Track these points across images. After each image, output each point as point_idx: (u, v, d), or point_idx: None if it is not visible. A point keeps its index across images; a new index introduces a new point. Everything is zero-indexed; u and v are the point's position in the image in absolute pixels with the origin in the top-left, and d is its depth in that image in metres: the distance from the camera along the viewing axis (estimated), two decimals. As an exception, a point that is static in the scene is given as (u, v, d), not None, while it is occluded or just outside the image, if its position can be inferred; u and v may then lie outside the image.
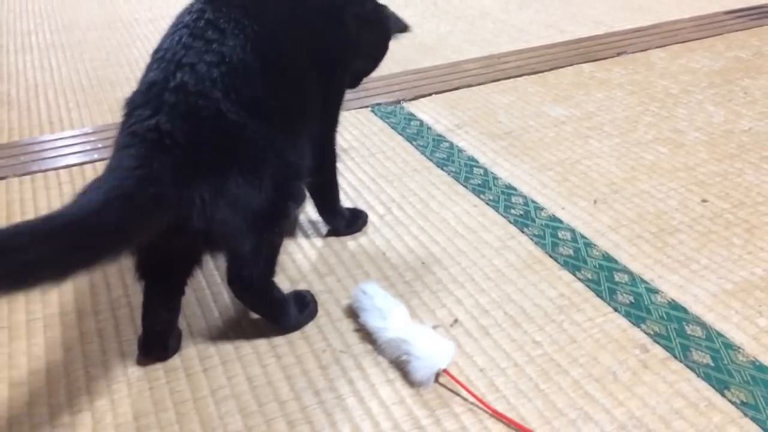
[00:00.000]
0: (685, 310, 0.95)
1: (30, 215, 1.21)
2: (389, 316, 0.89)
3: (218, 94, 0.78)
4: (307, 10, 0.96)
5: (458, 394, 0.83)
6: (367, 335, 0.91)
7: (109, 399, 0.84)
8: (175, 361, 0.89)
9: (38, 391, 0.85)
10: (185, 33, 0.82)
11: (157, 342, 0.90)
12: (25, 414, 0.82)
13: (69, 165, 1.37)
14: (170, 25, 0.87)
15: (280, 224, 0.90)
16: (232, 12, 0.84)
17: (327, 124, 1.03)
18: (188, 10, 0.86)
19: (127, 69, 1.86)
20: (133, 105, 0.80)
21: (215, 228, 0.78)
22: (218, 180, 0.77)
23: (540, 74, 1.73)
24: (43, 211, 1.21)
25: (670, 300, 0.97)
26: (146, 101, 0.78)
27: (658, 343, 0.90)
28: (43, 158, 1.41)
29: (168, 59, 0.80)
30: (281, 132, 0.85)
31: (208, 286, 1.02)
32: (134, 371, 0.87)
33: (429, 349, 0.84)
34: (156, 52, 0.84)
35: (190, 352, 0.90)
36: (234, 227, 0.80)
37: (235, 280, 0.87)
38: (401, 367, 0.86)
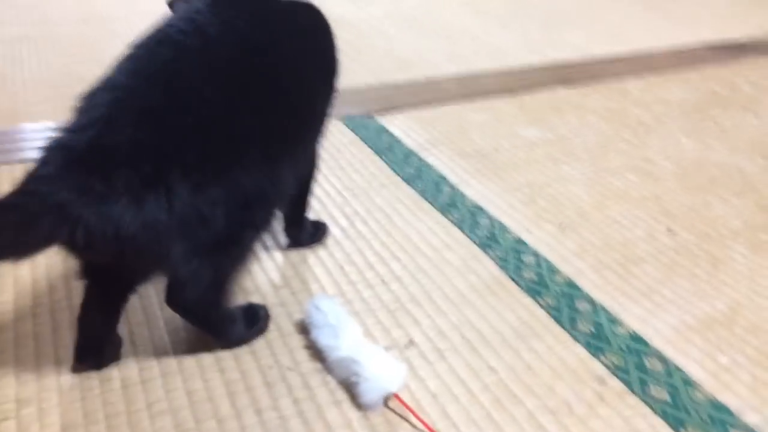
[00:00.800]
0: (645, 343, 0.93)
1: None
2: (341, 335, 0.85)
3: (175, 111, 0.74)
4: (309, 23, 0.94)
5: (407, 420, 0.79)
6: (317, 353, 0.87)
7: (37, 407, 0.78)
8: (112, 370, 0.84)
9: (-39, 396, 0.80)
10: (169, 32, 0.79)
11: (93, 348, 0.85)
12: (-56, 420, 0.77)
13: (25, 159, 1.32)
14: (166, 15, 0.84)
15: (230, 252, 0.83)
16: (228, 19, 0.81)
17: (318, 139, 0.99)
18: (187, 7, 0.83)
19: (98, 66, 1.80)
20: (84, 104, 0.76)
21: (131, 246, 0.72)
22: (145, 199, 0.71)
23: (516, 95, 1.72)
24: None
25: (631, 332, 0.95)
26: (96, 103, 0.74)
27: (617, 375, 0.87)
28: (16, 149, 1.35)
29: (138, 59, 0.78)
30: (249, 155, 0.79)
31: (156, 294, 0.97)
32: (67, 379, 0.82)
33: (379, 372, 0.80)
34: (132, 47, 0.81)
35: (129, 361, 0.85)
36: (163, 248, 0.75)
37: (171, 300, 0.82)
38: (350, 388, 0.82)
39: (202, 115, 0.76)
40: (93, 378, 0.83)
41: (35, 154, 1.32)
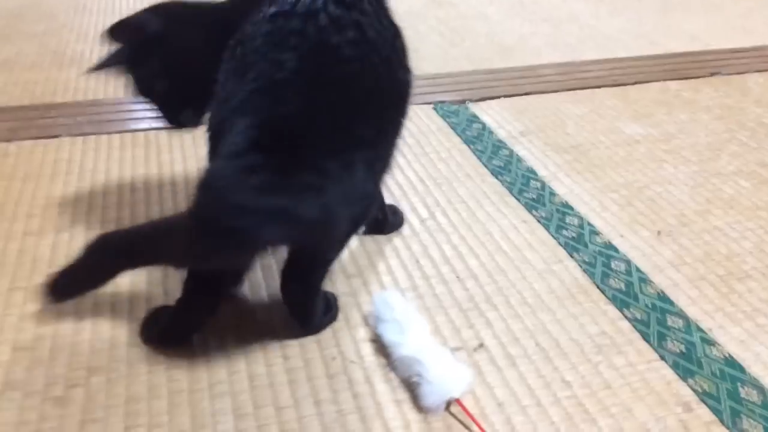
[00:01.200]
0: (742, 369, 0.84)
1: (74, 176, 1.20)
2: (407, 331, 0.82)
3: (346, 94, 0.72)
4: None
5: (468, 429, 0.75)
6: (382, 348, 0.84)
7: (106, 377, 0.80)
8: (179, 348, 0.85)
9: (39, 358, 0.83)
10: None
11: (177, 329, 0.85)
12: (21, 381, 0.80)
13: (123, 131, 1.37)
14: None
15: (352, 233, 0.85)
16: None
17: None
18: None
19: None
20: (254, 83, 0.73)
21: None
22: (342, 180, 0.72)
23: (621, 87, 1.61)
24: (89, 172, 1.20)
25: (727, 355, 0.86)
26: (271, 86, 0.72)
27: (705, 402, 0.79)
28: (99, 121, 1.41)
29: (295, 35, 0.73)
30: (391, 132, 0.80)
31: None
32: (137, 352, 0.84)
33: (443, 375, 0.76)
34: (286, 15, 0.74)
35: (196, 340, 0.86)
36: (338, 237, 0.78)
37: (296, 281, 0.83)
38: (412, 388, 0.79)
39: (368, 93, 0.74)
40: (160, 354, 0.84)
41: (132, 126, 1.33)
